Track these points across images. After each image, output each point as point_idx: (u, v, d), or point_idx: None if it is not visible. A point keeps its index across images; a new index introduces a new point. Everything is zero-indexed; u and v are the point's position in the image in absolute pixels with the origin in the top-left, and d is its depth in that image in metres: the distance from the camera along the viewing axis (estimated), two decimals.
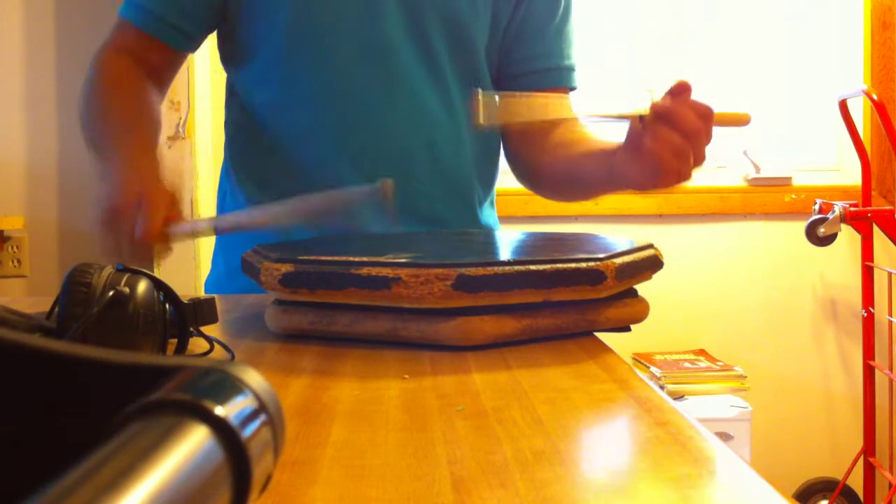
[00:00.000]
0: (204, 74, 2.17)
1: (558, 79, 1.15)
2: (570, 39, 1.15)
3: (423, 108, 1.07)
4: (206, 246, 1.93)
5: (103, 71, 1.06)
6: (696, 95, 0.85)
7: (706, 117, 0.84)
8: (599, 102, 0.88)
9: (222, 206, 1.16)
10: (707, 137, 0.85)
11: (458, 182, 1.12)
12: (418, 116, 1.07)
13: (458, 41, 1.07)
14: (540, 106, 0.87)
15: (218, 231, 0.91)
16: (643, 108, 0.85)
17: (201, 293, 1.07)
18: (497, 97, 0.82)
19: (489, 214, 1.19)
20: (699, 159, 0.86)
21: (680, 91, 0.84)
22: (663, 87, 0.86)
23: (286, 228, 0.95)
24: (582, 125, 1.14)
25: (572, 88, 1.17)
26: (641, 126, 0.85)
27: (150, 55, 1.06)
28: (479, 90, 0.81)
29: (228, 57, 1.12)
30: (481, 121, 0.80)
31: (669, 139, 0.83)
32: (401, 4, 1.04)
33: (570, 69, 1.16)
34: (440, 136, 1.09)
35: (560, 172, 1.09)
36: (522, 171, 1.17)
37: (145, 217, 0.85)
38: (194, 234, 0.94)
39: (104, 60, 1.07)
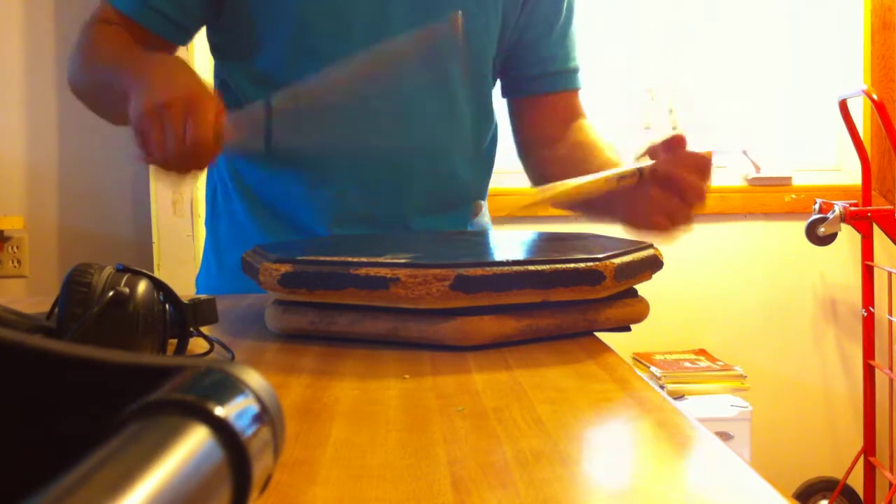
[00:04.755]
0: (204, 74, 2.17)
1: (565, 81, 1.15)
2: (574, 41, 1.15)
3: (427, 120, 1.06)
4: None
5: (98, 30, 0.99)
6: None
7: (704, 171, 0.84)
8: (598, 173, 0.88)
9: (213, 201, 1.14)
10: (704, 193, 0.85)
11: (456, 194, 1.12)
12: (421, 129, 1.06)
13: (471, 56, 1.06)
14: (546, 192, 0.86)
15: (275, 111, 0.78)
16: (640, 165, 0.85)
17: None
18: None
19: (483, 220, 1.19)
20: (697, 205, 0.86)
21: (676, 145, 0.84)
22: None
23: (347, 92, 0.86)
24: (588, 124, 1.14)
25: (578, 89, 1.17)
26: (642, 185, 0.85)
27: (137, 41, 0.99)
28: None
29: (221, 50, 1.08)
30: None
31: (663, 201, 0.83)
32: (411, 14, 1.01)
33: (576, 71, 1.16)
34: (442, 148, 1.08)
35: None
36: (531, 170, 1.18)
37: (197, 113, 0.77)
38: (249, 123, 0.80)
39: (95, 26, 1.00)
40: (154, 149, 0.79)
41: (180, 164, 0.79)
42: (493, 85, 1.16)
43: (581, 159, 1.07)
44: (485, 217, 1.20)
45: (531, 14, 1.11)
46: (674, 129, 2.53)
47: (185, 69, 0.86)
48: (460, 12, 0.75)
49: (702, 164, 0.84)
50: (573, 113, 1.15)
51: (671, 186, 0.84)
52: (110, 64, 0.95)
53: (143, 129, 0.79)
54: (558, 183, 0.85)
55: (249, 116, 0.81)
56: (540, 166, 1.15)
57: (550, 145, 1.13)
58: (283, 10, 1.00)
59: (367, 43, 1.01)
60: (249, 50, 1.04)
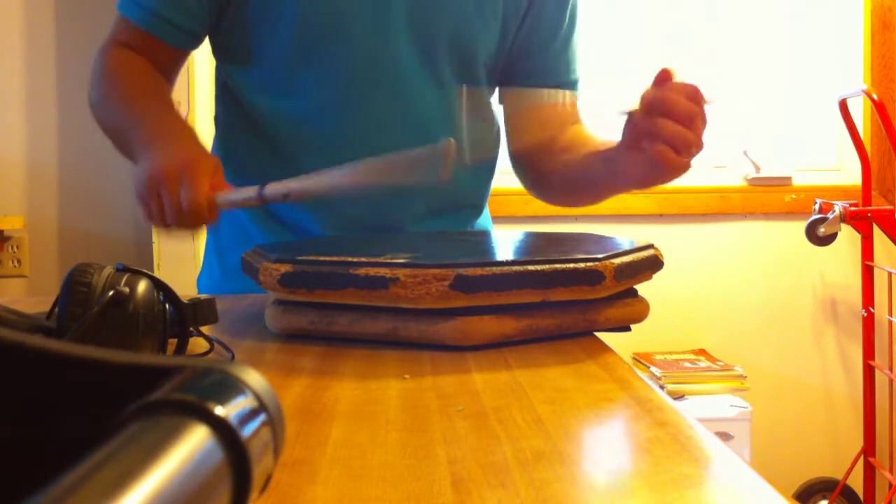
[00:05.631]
0: (204, 74, 2.17)
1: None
2: (575, 53, 1.14)
3: (428, 124, 1.06)
4: None
5: (113, 60, 1.04)
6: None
7: (696, 98, 0.82)
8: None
9: None
10: (703, 120, 0.83)
11: (458, 198, 1.12)
12: (423, 133, 1.06)
13: (464, 61, 1.06)
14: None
15: (264, 200, 0.85)
16: (631, 105, 0.85)
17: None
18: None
19: (483, 223, 1.19)
20: (697, 145, 0.83)
21: (663, 79, 0.83)
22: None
23: (336, 195, 0.90)
24: (584, 127, 1.13)
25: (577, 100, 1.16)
26: (634, 123, 0.84)
27: (151, 52, 1.04)
28: (449, 140, 0.79)
29: (223, 54, 1.09)
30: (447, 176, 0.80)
31: (666, 130, 0.81)
32: (410, 21, 1.01)
33: (575, 83, 1.15)
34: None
35: (566, 177, 1.08)
36: (530, 178, 1.17)
37: (191, 184, 0.83)
38: (240, 202, 0.88)
39: (110, 52, 1.04)
40: (154, 217, 0.86)
41: (178, 228, 0.86)
42: (493, 91, 1.15)
43: (577, 144, 1.07)
44: (486, 219, 1.20)
45: (533, 24, 1.09)
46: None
47: (187, 136, 0.92)
48: (453, 140, 0.77)
49: (691, 91, 0.82)
50: (571, 121, 1.15)
51: (668, 113, 0.81)
52: (123, 114, 1.00)
53: (143, 199, 0.86)
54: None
55: (241, 198, 0.87)
56: (536, 168, 1.14)
57: (546, 149, 1.12)
58: (283, 17, 1.00)
59: (368, 51, 1.01)
60: (250, 55, 1.05)
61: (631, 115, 0.84)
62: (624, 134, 0.88)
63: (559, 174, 1.09)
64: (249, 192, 0.85)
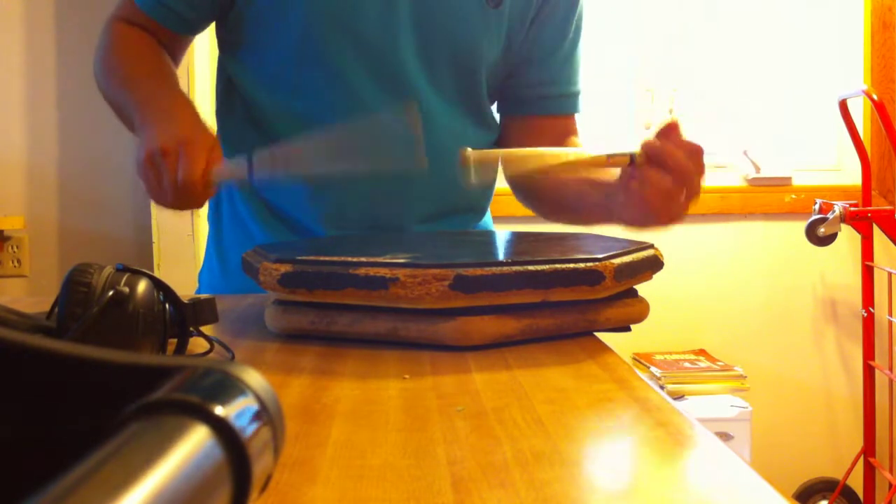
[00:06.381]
0: (204, 73, 2.17)
1: (563, 106, 1.14)
2: (577, 66, 1.14)
3: (434, 129, 1.05)
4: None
5: (118, 35, 1.05)
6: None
7: (696, 155, 0.83)
8: (589, 147, 0.89)
9: (216, 201, 1.15)
10: (699, 174, 0.84)
11: (460, 201, 1.12)
12: (426, 135, 1.06)
13: (465, 68, 1.06)
14: (534, 157, 0.88)
15: (255, 178, 0.87)
16: (633, 149, 0.85)
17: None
18: (489, 156, 0.85)
19: (485, 226, 1.19)
20: (692, 195, 0.84)
21: (669, 130, 0.84)
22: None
23: (321, 172, 0.92)
24: (584, 150, 1.13)
25: (576, 113, 1.16)
26: (631, 168, 0.85)
27: (153, 33, 1.05)
28: (468, 149, 0.82)
29: (229, 49, 1.09)
30: (473, 180, 0.82)
31: (659, 182, 0.82)
32: (414, 25, 1.01)
33: (576, 95, 1.15)
34: (446, 159, 1.07)
35: (561, 197, 1.08)
36: (523, 191, 1.16)
37: (187, 161, 0.84)
38: (233, 172, 0.89)
39: (116, 26, 1.06)
40: (153, 193, 0.89)
41: (176, 204, 0.88)
42: (494, 100, 1.15)
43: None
44: (487, 222, 1.19)
45: (537, 34, 1.09)
46: (670, 112, 2.52)
47: (186, 112, 0.93)
48: (417, 104, 0.79)
49: (693, 151, 0.83)
50: (567, 134, 1.14)
51: (665, 166, 0.83)
52: (125, 88, 1.02)
53: (143, 175, 0.88)
54: (550, 150, 0.86)
55: (234, 168, 0.89)
56: (530, 182, 1.13)
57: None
58: (288, 17, 1.00)
59: (374, 52, 1.01)
60: (255, 53, 1.05)
61: (632, 157, 0.85)
62: (620, 176, 0.88)
63: (554, 192, 1.09)
64: (240, 162, 0.86)
